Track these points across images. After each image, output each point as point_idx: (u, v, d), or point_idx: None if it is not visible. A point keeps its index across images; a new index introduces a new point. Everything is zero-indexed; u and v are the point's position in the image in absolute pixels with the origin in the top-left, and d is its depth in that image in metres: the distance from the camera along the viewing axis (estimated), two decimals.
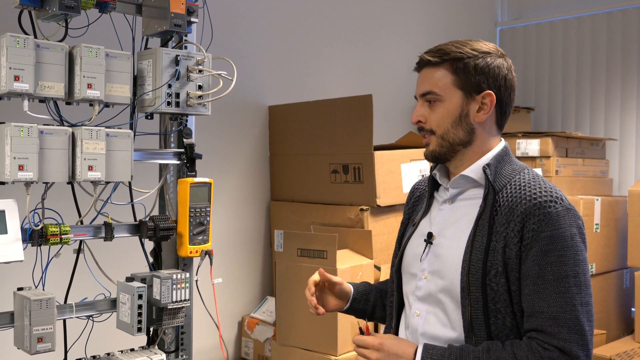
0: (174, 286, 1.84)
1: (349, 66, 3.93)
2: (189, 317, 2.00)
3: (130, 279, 1.85)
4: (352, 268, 2.82)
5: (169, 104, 1.84)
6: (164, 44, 1.94)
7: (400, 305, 1.62)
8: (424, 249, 1.53)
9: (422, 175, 1.67)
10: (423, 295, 1.52)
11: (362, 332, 1.48)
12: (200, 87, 1.91)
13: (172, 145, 2.01)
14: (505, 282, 1.39)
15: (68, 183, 1.73)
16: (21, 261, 1.63)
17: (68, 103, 1.75)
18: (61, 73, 1.68)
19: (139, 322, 1.78)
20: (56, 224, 1.70)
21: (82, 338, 1.85)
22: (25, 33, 1.68)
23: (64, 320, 1.84)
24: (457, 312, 1.45)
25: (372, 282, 2.91)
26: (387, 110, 3.90)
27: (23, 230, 1.66)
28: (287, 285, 2.93)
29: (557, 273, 1.35)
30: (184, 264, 2.01)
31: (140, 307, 1.78)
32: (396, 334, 1.61)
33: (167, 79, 1.84)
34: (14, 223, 1.63)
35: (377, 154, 3.01)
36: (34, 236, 1.67)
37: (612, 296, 3.79)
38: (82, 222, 1.82)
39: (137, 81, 1.89)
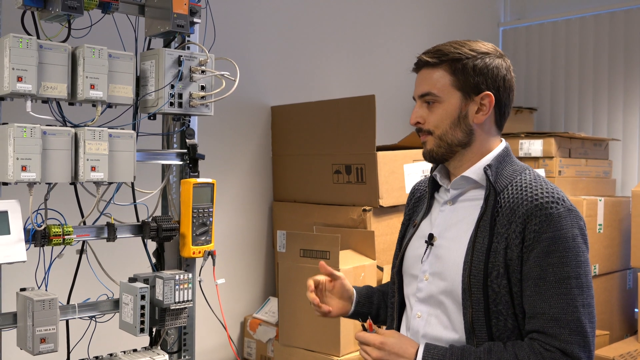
0: (177, 287, 1.83)
1: (351, 66, 3.92)
2: (191, 317, 2.00)
3: (132, 280, 1.85)
4: (355, 269, 2.82)
5: (171, 104, 1.84)
6: (167, 45, 1.94)
7: (402, 307, 1.61)
8: (425, 251, 1.53)
9: (425, 176, 1.66)
10: (424, 297, 1.51)
11: (365, 329, 1.47)
12: (203, 88, 1.91)
13: (175, 145, 2.00)
14: (506, 283, 1.39)
15: (71, 184, 1.73)
16: (24, 262, 1.63)
17: (71, 104, 1.75)
18: (64, 74, 1.68)
19: (142, 322, 1.78)
20: (59, 225, 1.70)
21: (84, 339, 1.85)
22: (28, 34, 1.68)
23: (67, 321, 1.84)
24: (459, 314, 1.44)
25: (375, 282, 2.91)
26: (389, 111, 3.90)
27: (26, 230, 1.66)
28: (290, 285, 2.93)
29: (559, 274, 1.35)
30: (187, 264, 2.01)
31: (142, 307, 1.78)
32: None
33: (170, 79, 1.83)
34: (16, 224, 1.63)
35: (380, 154, 3.00)
36: (37, 237, 1.67)
37: (615, 297, 3.78)
38: (84, 223, 1.82)
39: (139, 82, 1.89)
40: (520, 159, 3.76)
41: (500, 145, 1.52)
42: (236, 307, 3.35)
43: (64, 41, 1.71)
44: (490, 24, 4.94)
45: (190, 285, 1.87)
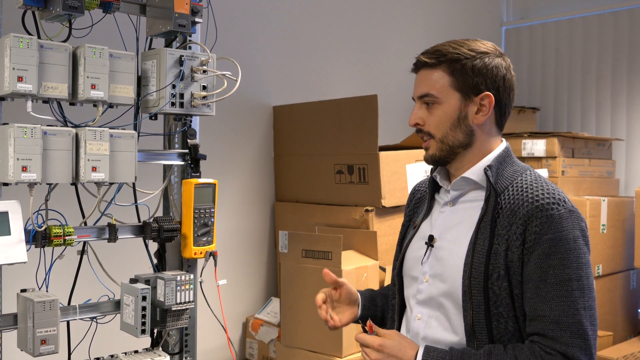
0: (178, 288, 1.83)
1: (353, 66, 3.91)
2: (193, 318, 1.99)
3: (134, 281, 1.84)
4: (357, 269, 2.81)
5: (173, 104, 1.83)
6: (168, 45, 1.94)
7: (402, 309, 1.60)
8: (425, 252, 1.51)
9: (427, 176, 1.65)
10: (424, 299, 1.50)
11: (365, 331, 1.46)
12: (204, 88, 1.90)
13: (176, 146, 2.00)
14: (507, 285, 1.37)
15: (72, 184, 1.72)
16: (24, 263, 1.62)
17: (72, 104, 1.74)
18: (65, 74, 1.67)
19: (143, 323, 1.78)
20: (60, 225, 1.69)
21: (85, 340, 1.84)
22: (29, 33, 1.68)
23: (68, 322, 1.83)
24: (459, 316, 1.43)
25: (377, 283, 2.90)
26: (392, 111, 3.89)
27: (26, 231, 1.65)
28: (292, 286, 2.92)
29: (560, 276, 1.33)
30: (188, 265, 2.00)
31: (144, 308, 1.77)
32: None
33: (171, 79, 1.83)
34: (17, 224, 1.62)
35: (382, 155, 2.99)
36: (38, 237, 1.66)
37: (618, 297, 3.76)
38: (85, 224, 1.82)
39: (141, 82, 1.89)
40: (523, 159, 3.78)
41: (500, 146, 1.51)
42: (238, 308, 3.35)
43: (64, 41, 1.71)
44: (493, 24, 4.93)
45: (191, 286, 1.86)
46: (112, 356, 1.86)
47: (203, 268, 1.97)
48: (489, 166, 1.45)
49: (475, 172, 1.48)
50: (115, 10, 1.80)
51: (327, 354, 2.79)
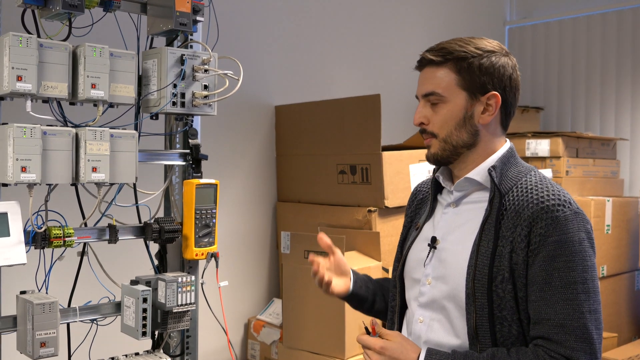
0: (180, 289, 1.82)
1: (356, 65, 3.90)
2: (194, 320, 1.98)
3: (134, 282, 1.82)
4: (360, 270, 2.78)
5: (174, 104, 1.82)
6: (169, 43, 1.92)
7: (402, 311, 1.59)
8: (428, 254, 1.50)
9: (431, 176, 1.64)
10: (426, 302, 1.48)
11: (368, 332, 1.45)
12: (206, 87, 1.88)
13: (178, 146, 1.99)
14: (512, 288, 1.36)
15: (72, 185, 1.71)
16: (24, 264, 1.61)
17: (72, 103, 1.73)
18: (65, 73, 1.66)
19: (144, 326, 1.76)
20: (59, 227, 1.68)
21: (85, 342, 1.83)
22: (29, 32, 1.66)
23: (68, 324, 1.82)
24: (462, 319, 1.41)
25: None
26: (395, 110, 3.87)
27: (26, 232, 1.64)
28: (294, 287, 2.91)
29: (565, 279, 1.32)
30: (190, 266, 1.99)
31: (145, 310, 1.76)
32: None
33: (173, 78, 1.81)
34: (16, 225, 1.61)
35: (385, 155, 2.98)
36: (37, 239, 1.65)
37: (623, 298, 3.74)
38: (86, 225, 1.81)
39: (141, 81, 1.87)
40: (527, 159, 3.76)
41: (504, 146, 1.49)
42: (240, 309, 3.33)
43: (64, 40, 1.69)
44: (496, 23, 4.92)
45: (193, 288, 1.85)
46: (112, 358, 1.84)
47: (204, 269, 1.95)
48: (493, 167, 1.44)
49: (479, 172, 1.46)
50: (116, 8, 1.78)
51: (329, 355, 2.78)
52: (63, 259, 1.76)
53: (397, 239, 3.03)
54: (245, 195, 3.37)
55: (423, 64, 1.49)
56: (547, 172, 3.49)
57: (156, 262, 1.97)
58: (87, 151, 1.65)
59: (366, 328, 1.46)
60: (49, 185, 1.66)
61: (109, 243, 1.81)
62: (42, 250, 1.70)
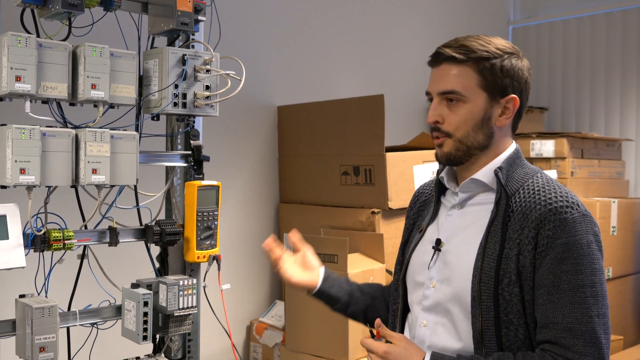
0: (181, 292, 1.80)
1: (359, 66, 3.89)
2: (196, 324, 1.96)
3: (135, 285, 1.81)
4: (364, 272, 2.79)
5: (175, 104, 1.80)
6: (171, 43, 1.90)
7: (405, 315, 1.57)
8: (432, 257, 1.47)
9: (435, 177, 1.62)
10: (430, 305, 1.46)
11: (373, 335, 1.43)
12: (207, 88, 1.87)
13: (179, 147, 1.97)
14: (518, 291, 1.34)
15: (71, 187, 1.69)
16: (23, 267, 1.59)
17: (71, 104, 1.71)
18: (64, 73, 1.64)
19: (145, 329, 1.74)
20: (59, 229, 1.67)
21: (86, 346, 1.82)
22: (28, 32, 1.65)
23: (68, 328, 1.80)
24: (467, 323, 1.39)
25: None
26: (398, 111, 3.86)
27: (25, 235, 1.62)
28: (296, 289, 2.88)
29: (573, 282, 1.30)
30: (191, 269, 1.97)
31: (145, 314, 1.74)
32: None
33: (174, 79, 1.79)
34: (15, 228, 1.59)
35: (389, 155, 2.96)
36: (37, 242, 1.64)
37: (629, 300, 3.72)
38: (86, 227, 1.79)
39: (142, 81, 1.86)
40: (532, 159, 3.73)
41: (510, 147, 1.47)
42: (242, 311, 3.32)
43: (64, 40, 1.68)
44: (500, 23, 4.91)
45: (194, 291, 1.83)
46: None
47: (206, 272, 1.94)
48: (500, 168, 1.42)
49: (485, 173, 1.44)
50: (117, 8, 1.77)
51: (332, 358, 2.76)
52: (63, 262, 1.75)
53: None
54: (247, 196, 3.35)
55: (440, 59, 1.44)
56: (552, 173, 3.46)
57: (157, 265, 1.96)
58: (87, 152, 1.64)
59: (371, 331, 1.44)
60: (49, 187, 1.65)
61: (109, 246, 1.80)
62: (41, 253, 1.68)
